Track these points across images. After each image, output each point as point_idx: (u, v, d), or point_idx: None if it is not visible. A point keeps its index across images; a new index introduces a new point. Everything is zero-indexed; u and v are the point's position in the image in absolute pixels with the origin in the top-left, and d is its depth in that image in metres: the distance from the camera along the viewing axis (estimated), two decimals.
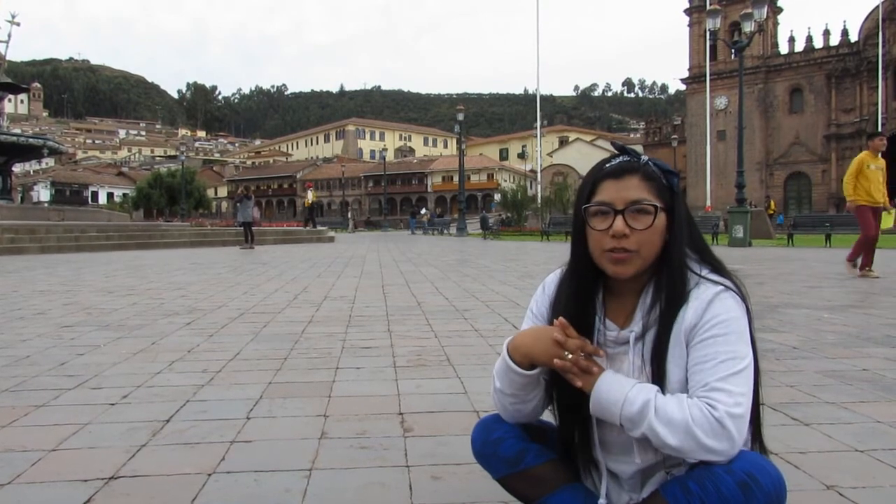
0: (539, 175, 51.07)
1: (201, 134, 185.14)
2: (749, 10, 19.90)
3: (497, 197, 52.25)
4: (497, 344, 3.83)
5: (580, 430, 1.32)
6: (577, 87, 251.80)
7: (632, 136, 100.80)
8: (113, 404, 2.57)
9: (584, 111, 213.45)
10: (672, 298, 1.23)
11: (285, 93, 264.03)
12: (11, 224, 16.65)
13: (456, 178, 50.98)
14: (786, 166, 54.35)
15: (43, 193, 73.40)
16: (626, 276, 1.24)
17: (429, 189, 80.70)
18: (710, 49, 51.00)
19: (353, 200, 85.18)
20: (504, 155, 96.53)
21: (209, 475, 1.84)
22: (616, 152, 1.29)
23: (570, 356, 1.20)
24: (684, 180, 58.22)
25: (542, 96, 48.27)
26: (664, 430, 1.10)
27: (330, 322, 4.76)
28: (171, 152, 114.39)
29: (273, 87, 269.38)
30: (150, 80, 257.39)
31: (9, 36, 24.95)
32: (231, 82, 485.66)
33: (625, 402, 1.14)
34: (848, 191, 8.33)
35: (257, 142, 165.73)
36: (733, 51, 41.22)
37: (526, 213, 37.53)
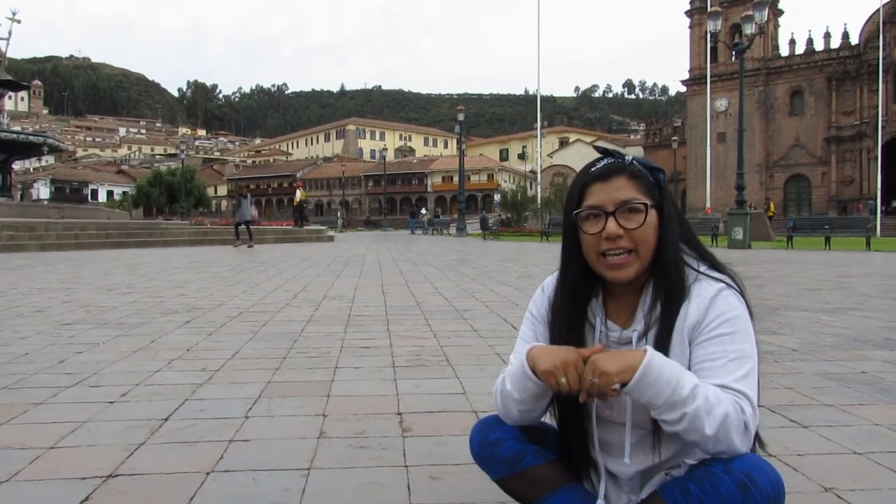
0: (539, 176, 51.09)
1: (201, 132, 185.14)
2: (750, 13, 19.93)
3: (497, 197, 52.28)
4: (496, 344, 3.83)
5: (580, 430, 1.32)
6: (577, 88, 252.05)
7: (632, 137, 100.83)
8: (111, 402, 2.57)
9: (584, 112, 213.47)
10: (671, 295, 1.23)
11: (286, 92, 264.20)
12: (11, 221, 16.64)
13: (456, 179, 51.01)
14: (786, 168, 54.37)
15: (43, 191, 73.42)
16: (627, 278, 1.24)
17: (429, 189, 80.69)
18: (711, 51, 51.02)
19: (353, 200, 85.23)
20: (504, 155, 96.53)
21: (207, 474, 1.84)
22: (600, 155, 1.30)
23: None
24: (684, 182, 58.26)
25: (542, 97, 48.31)
26: (706, 419, 1.08)
27: (329, 321, 4.76)
28: (172, 151, 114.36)
29: (273, 85, 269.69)
30: (150, 78, 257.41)
31: (9, 33, 25.04)
32: (231, 81, 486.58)
33: (679, 382, 1.10)
34: None
35: (257, 141, 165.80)
36: (734, 53, 41.28)
37: (526, 214, 37.56)
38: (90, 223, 19.56)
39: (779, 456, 1.95)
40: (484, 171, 78.72)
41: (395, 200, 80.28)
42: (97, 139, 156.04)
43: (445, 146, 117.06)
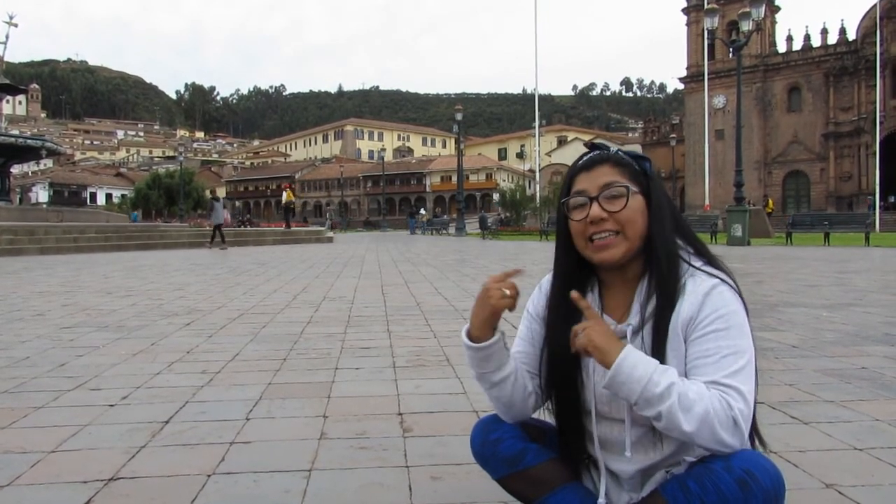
0: (538, 174, 51.03)
1: (200, 135, 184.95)
2: (747, 9, 19.93)
3: (496, 197, 52.25)
4: None
5: (579, 428, 1.32)
6: (575, 87, 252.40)
7: (630, 135, 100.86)
8: (112, 405, 2.57)
9: (582, 111, 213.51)
10: (666, 289, 1.23)
11: (284, 93, 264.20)
12: (10, 225, 16.63)
13: (454, 178, 50.96)
14: (784, 165, 54.37)
15: (41, 194, 73.30)
16: (613, 259, 1.25)
17: (427, 189, 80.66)
18: (709, 48, 50.98)
19: (352, 201, 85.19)
20: (503, 155, 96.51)
21: (209, 476, 1.84)
22: (588, 150, 1.33)
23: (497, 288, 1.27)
24: (683, 179, 58.26)
25: (540, 96, 48.27)
26: (683, 415, 1.09)
27: (329, 322, 4.76)
28: (170, 153, 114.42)
29: (271, 87, 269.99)
30: (148, 80, 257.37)
31: (7, 37, 24.94)
32: (229, 83, 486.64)
33: (649, 381, 1.11)
34: None
35: (256, 142, 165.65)
36: (731, 50, 41.26)
37: (524, 213, 37.54)
38: (89, 226, 19.55)
39: (779, 452, 1.95)
40: (482, 171, 78.69)
41: (394, 201, 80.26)
42: (95, 142, 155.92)
43: (444, 146, 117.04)
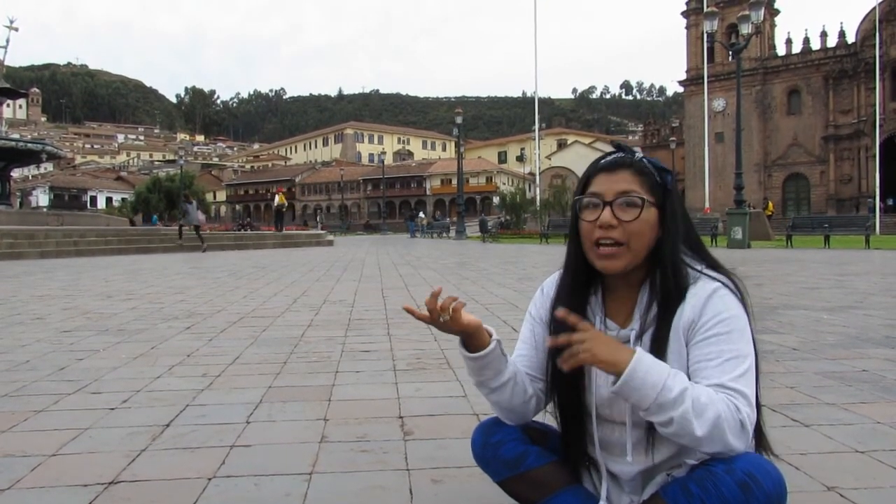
0: (538, 178, 51.01)
1: (200, 138, 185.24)
2: (746, 13, 19.97)
3: (496, 200, 52.26)
4: None
5: (580, 430, 1.32)
6: (575, 90, 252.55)
7: (630, 138, 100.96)
8: (112, 409, 2.57)
9: (582, 114, 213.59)
10: (668, 295, 1.23)
11: (284, 97, 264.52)
12: (10, 229, 16.63)
13: (454, 182, 50.91)
14: (784, 168, 54.39)
15: (42, 198, 73.31)
16: (616, 270, 1.24)
17: (427, 192, 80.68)
18: (708, 51, 51.06)
19: (352, 204, 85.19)
20: (503, 158, 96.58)
21: (209, 479, 1.84)
22: (613, 150, 1.31)
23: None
24: (682, 182, 58.26)
25: (540, 99, 48.25)
26: (696, 420, 1.09)
27: (329, 326, 4.76)
28: (170, 156, 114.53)
29: (271, 91, 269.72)
30: (148, 84, 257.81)
31: (7, 41, 25.00)
32: (229, 86, 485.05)
33: (664, 386, 1.10)
34: None
35: (256, 146, 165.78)
36: (731, 53, 41.33)
37: (525, 216, 37.55)
38: (90, 230, 19.56)
39: (781, 455, 1.94)
40: (482, 174, 78.72)
41: (394, 204, 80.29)
42: (96, 146, 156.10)
43: (444, 149, 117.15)
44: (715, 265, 1.27)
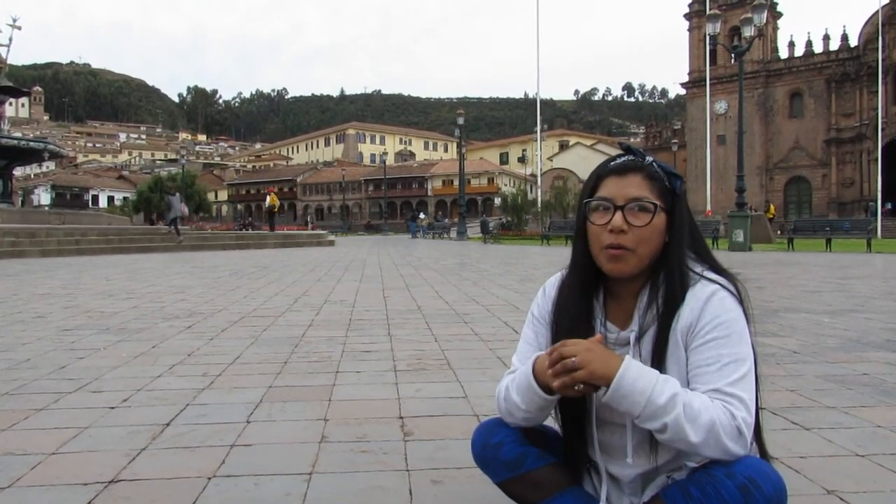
0: (539, 179, 51.05)
1: (202, 138, 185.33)
2: (749, 15, 19.95)
3: (497, 201, 52.28)
4: (497, 348, 3.83)
5: (580, 432, 1.32)
6: (577, 92, 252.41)
7: (632, 140, 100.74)
8: (113, 408, 2.57)
9: (584, 115, 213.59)
10: (669, 299, 1.23)
11: (286, 97, 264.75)
12: (12, 227, 16.65)
13: (456, 182, 50.98)
14: (786, 171, 54.36)
15: (43, 197, 73.32)
16: (623, 274, 1.24)
17: (429, 193, 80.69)
18: (710, 54, 51.07)
19: (354, 204, 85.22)
20: (504, 159, 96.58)
21: (209, 479, 1.84)
22: (622, 151, 1.31)
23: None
24: (684, 184, 58.19)
25: (542, 100, 48.33)
26: (689, 426, 1.09)
27: (330, 326, 4.76)
28: (172, 156, 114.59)
29: (273, 90, 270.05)
30: (150, 83, 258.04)
31: (10, 40, 24.90)
32: (231, 86, 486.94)
33: (652, 392, 1.10)
34: None
35: (258, 145, 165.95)
36: (733, 55, 41.28)
37: (526, 217, 37.56)
38: (91, 229, 19.57)
39: (781, 458, 1.94)
40: (484, 175, 78.73)
41: (396, 204, 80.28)
42: (98, 145, 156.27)
43: (445, 150, 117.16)
44: (717, 269, 1.27)
